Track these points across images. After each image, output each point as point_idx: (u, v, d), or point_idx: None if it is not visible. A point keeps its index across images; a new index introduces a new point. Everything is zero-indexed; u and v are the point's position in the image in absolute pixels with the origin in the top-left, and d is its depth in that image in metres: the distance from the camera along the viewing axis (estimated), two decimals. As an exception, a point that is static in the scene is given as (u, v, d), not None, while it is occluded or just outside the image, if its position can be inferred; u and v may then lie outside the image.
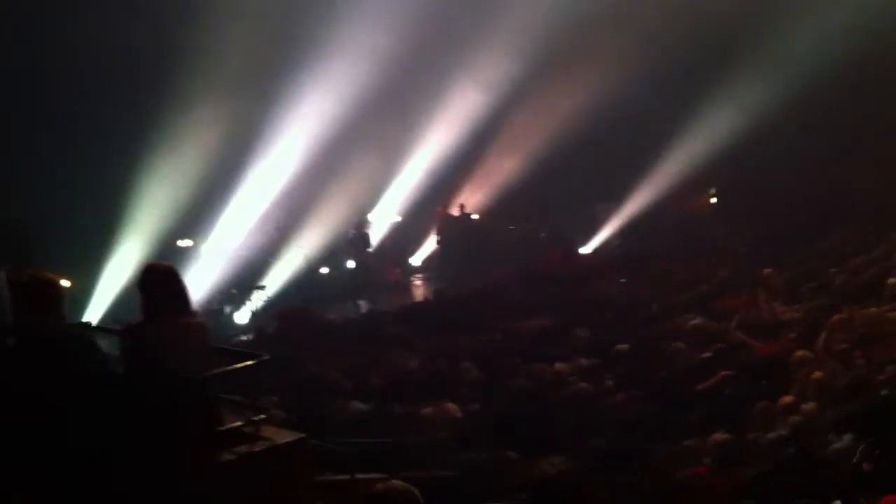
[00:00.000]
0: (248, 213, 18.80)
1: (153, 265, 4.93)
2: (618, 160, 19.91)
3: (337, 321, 14.49)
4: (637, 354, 9.90)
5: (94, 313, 15.68)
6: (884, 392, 7.85)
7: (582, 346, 10.42)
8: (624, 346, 10.18)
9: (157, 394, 4.36)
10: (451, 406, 8.56)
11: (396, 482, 3.91)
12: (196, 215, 17.88)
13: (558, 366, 9.57)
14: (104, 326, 5.59)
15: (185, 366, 4.50)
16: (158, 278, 4.74)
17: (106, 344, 4.81)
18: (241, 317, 17.02)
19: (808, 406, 7.74)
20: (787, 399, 7.74)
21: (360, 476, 6.02)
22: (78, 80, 15.53)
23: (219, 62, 16.17)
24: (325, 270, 19.25)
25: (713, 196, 22.15)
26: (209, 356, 4.79)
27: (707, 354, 9.44)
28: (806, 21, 17.90)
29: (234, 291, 17.35)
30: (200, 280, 16.76)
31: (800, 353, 9.20)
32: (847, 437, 7.09)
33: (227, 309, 17.05)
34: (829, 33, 17.64)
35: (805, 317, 10.82)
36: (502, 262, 19.03)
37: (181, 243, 18.01)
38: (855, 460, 6.49)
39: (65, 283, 4.75)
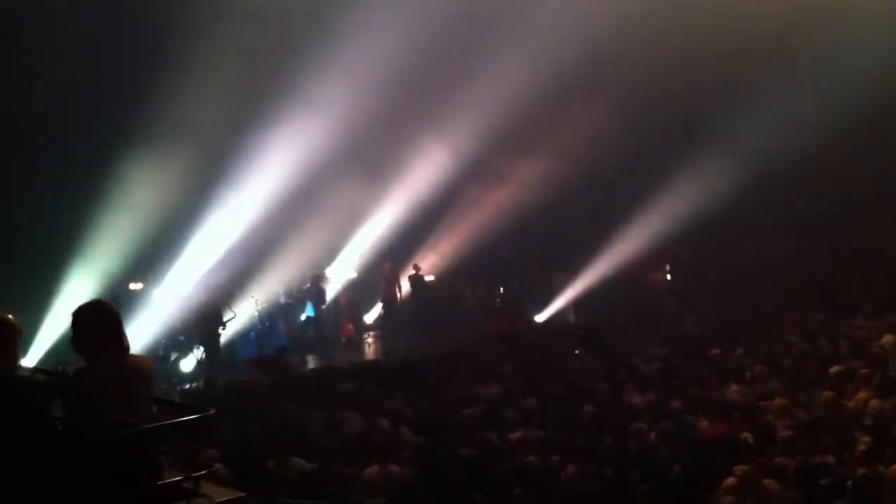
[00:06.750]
0: (204, 259, 18.58)
1: (99, 301, 4.85)
2: (577, 231, 20.11)
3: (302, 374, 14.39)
4: (587, 428, 9.88)
5: (35, 354, 15.28)
6: (824, 482, 7.91)
7: (532, 417, 10.35)
8: (576, 418, 10.15)
9: (94, 443, 4.22)
10: (395, 468, 8.45)
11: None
12: (150, 258, 17.63)
13: (512, 436, 9.50)
14: (44, 368, 5.44)
15: (129, 411, 4.38)
16: (105, 316, 4.62)
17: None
18: (187, 364, 16.72)
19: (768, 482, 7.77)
20: (731, 481, 7.75)
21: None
22: (29, 115, 15.27)
23: (182, 108, 16.05)
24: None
25: (668, 272, 22.44)
26: (152, 402, 4.70)
27: (653, 434, 9.44)
28: (762, 100, 18.41)
29: (181, 338, 17.06)
30: (148, 324, 16.46)
31: (745, 434, 9.29)
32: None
33: (174, 356, 16.74)
34: (784, 113, 18.16)
35: (751, 399, 10.90)
36: (456, 326, 18.99)
37: (132, 286, 17.76)
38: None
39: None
